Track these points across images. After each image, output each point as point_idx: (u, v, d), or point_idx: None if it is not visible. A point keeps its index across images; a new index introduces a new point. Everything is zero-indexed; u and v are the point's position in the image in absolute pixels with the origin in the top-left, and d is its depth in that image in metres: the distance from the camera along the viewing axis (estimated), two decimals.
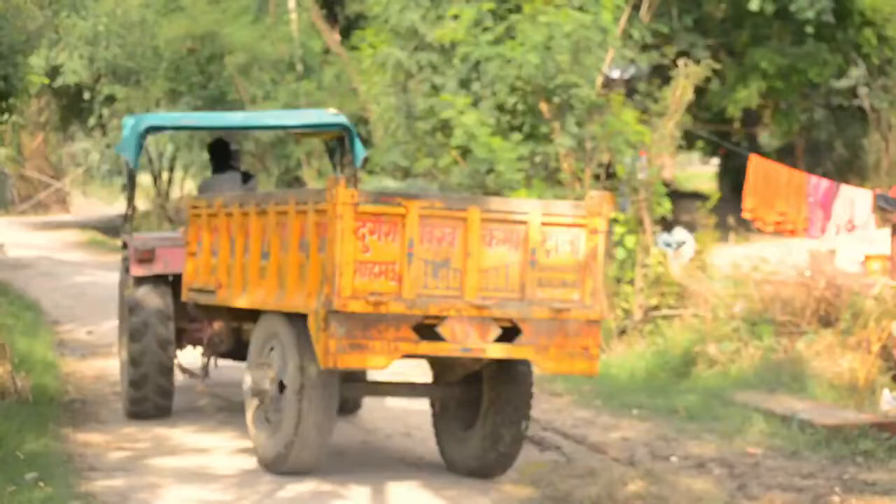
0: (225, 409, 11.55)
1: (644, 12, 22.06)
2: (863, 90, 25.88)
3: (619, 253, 14.52)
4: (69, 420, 10.75)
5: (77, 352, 14.64)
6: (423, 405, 11.90)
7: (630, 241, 14.48)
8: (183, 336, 11.13)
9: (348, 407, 11.34)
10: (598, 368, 8.78)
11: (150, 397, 10.73)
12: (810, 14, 23.89)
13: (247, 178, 11.47)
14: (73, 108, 33.77)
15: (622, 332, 14.38)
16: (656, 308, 14.43)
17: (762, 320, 12.95)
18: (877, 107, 25.77)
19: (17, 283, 20.18)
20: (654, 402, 11.67)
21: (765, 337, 12.79)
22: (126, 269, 11.02)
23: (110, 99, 30.68)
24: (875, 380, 11.52)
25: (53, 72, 29.52)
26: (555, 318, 8.51)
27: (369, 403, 11.81)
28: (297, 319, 8.58)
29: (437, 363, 9.48)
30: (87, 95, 31.40)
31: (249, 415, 9.30)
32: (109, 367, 13.56)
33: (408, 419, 11.18)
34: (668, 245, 15.44)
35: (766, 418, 10.64)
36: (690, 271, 14.67)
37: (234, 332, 10.40)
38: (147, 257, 10.81)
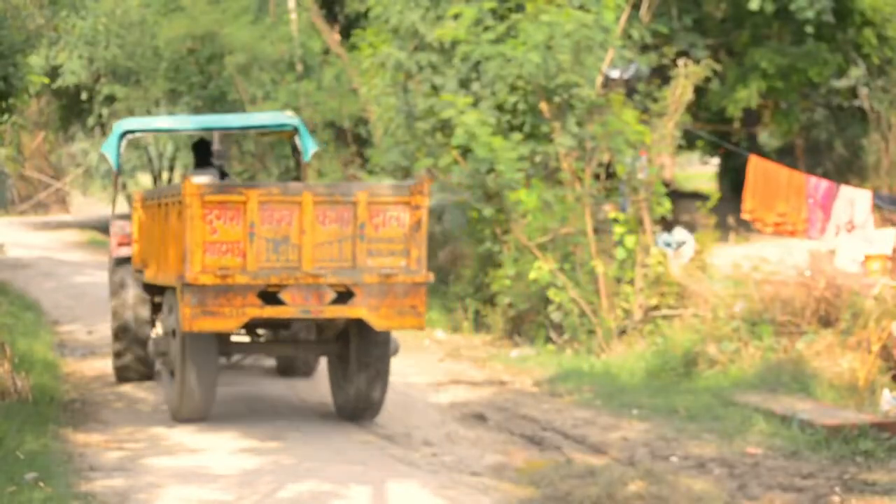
0: None
1: (644, 12, 22.06)
2: (863, 90, 25.88)
3: (619, 253, 14.51)
4: (69, 420, 10.76)
5: (77, 352, 14.65)
6: (424, 408, 11.92)
7: (630, 241, 14.47)
8: (160, 308, 12.25)
9: (302, 370, 13.03)
10: (425, 323, 10.32)
11: (132, 349, 12.44)
12: (810, 14, 23.88)
13: (223, 175, 12.87)
14: (73, 108, 33.76)
15: (622, 332, 14.37)
16: (656, 308, 14.42)
17: (762, 320, 12.95)
18: (877, 107, 25.76)
19: (17, 283, 20.17)
20: (654, 402, 11.66)
21: (765, 337, 12.78)
22: (116, 259, 12.63)
23: (110, 99, 30.69)
24: (875, 380, 11.52)
25: (53, 72, 29.53)
26: (384, 282, 10.02)
27: None
28: None
29: (318, 325, 11.36)
30: (86, 95, 31.41)
31: (159, 371, 10.97)
32: (109, 367, 13.56)
33: (408, 420, 11.19)
34: (668, 245, 15.44)
35: (766, 418, 10.64)
36: (690, 271, 14.67)
37: None
38: (124, 241, 12.46)
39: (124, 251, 12.39)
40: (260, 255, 9.92)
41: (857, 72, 25.86)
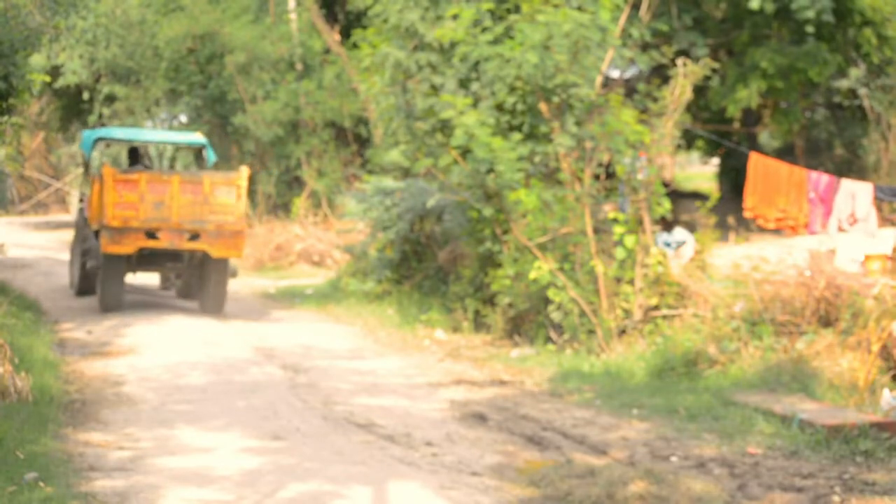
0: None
1: (644, 11, 22.05)
2: (863, 90, 25.88)
3: (619, 253, 14.49)
4: (69, 420, 10.75)
5: (77, 352, 14.64)
6: (424, 407, 11.92)
7: (630, 241, 14.46)
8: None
9: (195, 294, 18.80)
10: (242, 253, 17.38)
11: (92, 283, 18.72)
12: (810, 14, 23.89)
13: (147, 168, 19.36)
14: (74, 107, 33.75)
15: (622, 332, 14.36)
16: (656, 308, 14.42)
17: (762, 320, 12.95)
18: (876, 107, 25.76)
19: (17, 283, 20.17)
20: (655, 402, 11.66)
21: (765, 337, 12.78)
22: (82, 215, 18.85)
23: (110, 99, 30.67)
24: (875, 380, 11.52)
25: (54, 71, 29.50)
26: (218, 229, 16.88)
27: (369, 405, 11.82)
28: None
29: (189, 258, 18.10)
30: (87, 95, 31.39)
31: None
32: (109, 366, 13.57)
33: (408, 419, 11.19)
34: (668, 245, 15.43)
35: (767, 418, 10.64)
36: (690, 271, 14.66)
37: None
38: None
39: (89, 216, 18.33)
40: (146, 212, 16.76)
41: (857, 72, 25.86)
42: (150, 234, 16.81)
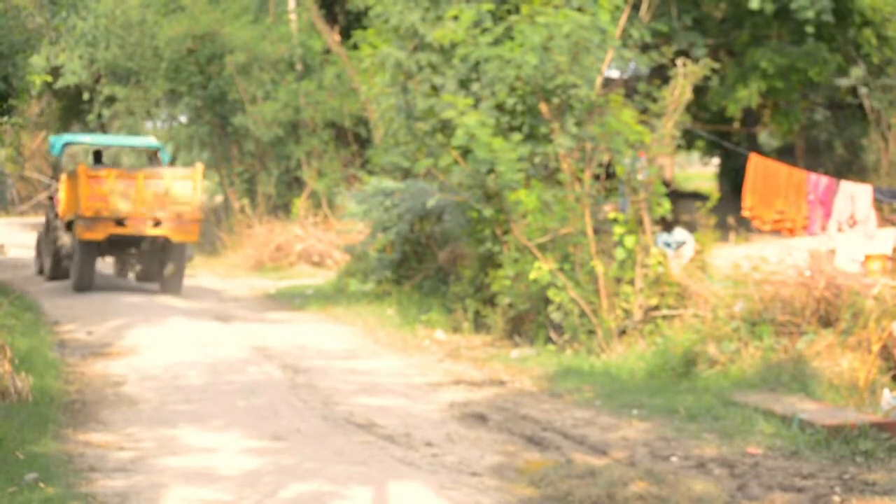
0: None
1: (644, 12, 22.06)
2: (863, 90, 25.86)
3: (619, 253, 14.49)
4: (69, 420, 10.75)
5: (77, 352, 14.64)
6: (424, 408, 11.92)
7: (630, 241, 14.46)
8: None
9: (154, 278, 21.16)
10: (197, 237, 20.42)
11: (64, 270, 21.22)
12: (810, 14, 23.89)
13: (109, 166, 22.19)
14: (73, 108, 33.75)
15: (622, 332, 14.36)
16: (656, 308, 14.42)
17: (762, 320, 12.95)
18: (876, 107, 25.74)
19: (17, 283, 20.19)
20: (655, 402, 11.67)
21: (765, 337, 12.78)
22: (53, 210, 21.84)
23: (110, 99, 30.66)
24: (875, 380, 11.52)
25: (54, 72, 29.50)
26: (177, 218, 19.76)
27: (369, 405, 11.83)
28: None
29: (151, 244, 20.56)
30: (87, 96, 31.38)
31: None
32: (110, 367, 13.57)
33: (408, 419, 11.19)
34: (668, 245, 15.43)
35: (767, 418, 10.65)
36: (690, 271, 14.66)
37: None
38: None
39: (61, 209, 20.98)
40: (116, 203, 19.60)
41: (857, 72, 25.85)
42: (119, 222, 19.69)
